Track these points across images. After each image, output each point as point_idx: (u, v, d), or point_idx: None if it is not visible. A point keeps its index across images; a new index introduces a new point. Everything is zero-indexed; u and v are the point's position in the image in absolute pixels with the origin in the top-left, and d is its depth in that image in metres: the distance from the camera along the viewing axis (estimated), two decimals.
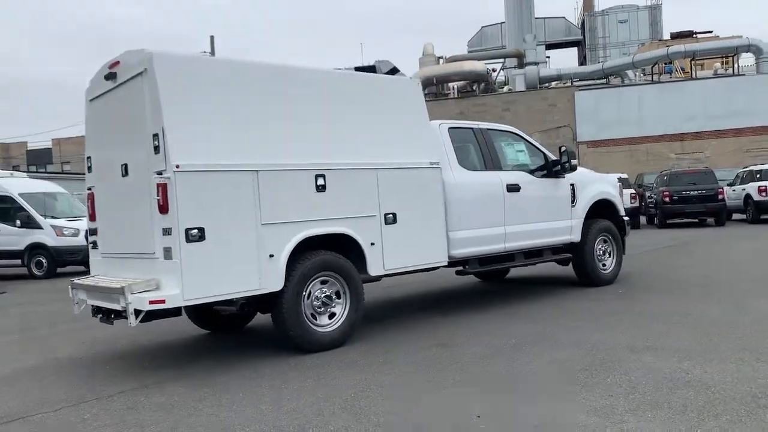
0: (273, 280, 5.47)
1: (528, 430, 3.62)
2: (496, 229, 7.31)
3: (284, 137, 5.65)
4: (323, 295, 5.85)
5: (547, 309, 7.18)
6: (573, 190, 8.26)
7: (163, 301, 4.98)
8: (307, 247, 5.77)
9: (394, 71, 54.46)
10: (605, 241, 8.77)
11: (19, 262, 15.81)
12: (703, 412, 3.72)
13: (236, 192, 5.29)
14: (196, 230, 5.05)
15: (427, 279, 8.96)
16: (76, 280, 6.01)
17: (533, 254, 8.04)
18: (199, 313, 6.62)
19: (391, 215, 6.31)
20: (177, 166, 5.00)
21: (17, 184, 16.45)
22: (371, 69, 55.18)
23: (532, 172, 7.91)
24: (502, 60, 48.33)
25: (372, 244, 6.16)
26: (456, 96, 42.50)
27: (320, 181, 5.80)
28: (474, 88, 45.84)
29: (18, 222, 15.40)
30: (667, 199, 19.90)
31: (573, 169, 7.97)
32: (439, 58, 47.70)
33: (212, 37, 39.89)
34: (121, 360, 5.97)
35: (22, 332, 7.78)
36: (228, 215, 5.23)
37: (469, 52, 54.20)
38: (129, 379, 5.21)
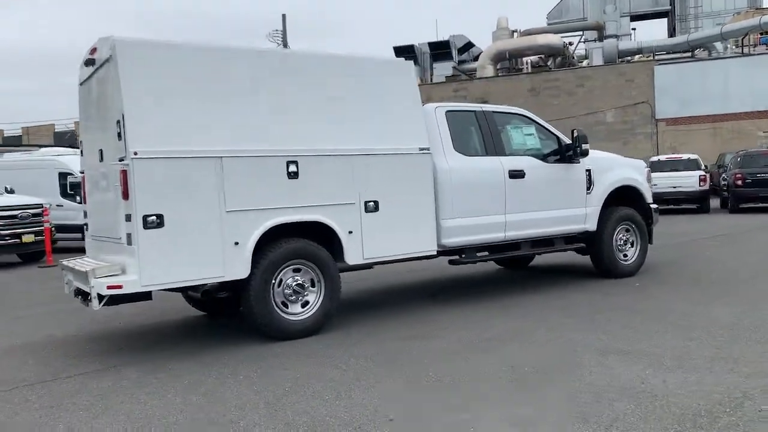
0: (238, 268, 5.44)
1: None
2: (494, 217, 6.99)
3: (253, 123, 5.57)
4: (295, 283, 5.77)
5: (545, 302, 6.84)
6: (589, 175, 7.78)
7: (120, 287, 5.06)
8: (279, 234, 5.70)
9: (468, 46, 53.58)
10: (627, 230, 8.24)
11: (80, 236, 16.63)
12: (629, 430, 3.40)
13: (199, 179, 5.27)
14: (154, 217, 5.07)
15: (430, 266, 8.70)
16: (64, 262, 6.20)
17: (543, 243, 7.67)
18: (188, 296, 6.71)
19: (372, 203, 6.14)
20: (135, 153, 5.02)
21: (76, 162, 17.23)
22: (445, 44, 54.48)
23: (542, 157, 7.49)
24: (580, 33, 46.39)
25: (350, 232, 6.02)
26: (528, 71, 41.22)
27: (292, 168, 5.69)
28: (549, 63, 44.37)
29: (77, 198, 16.17)
30: (739, 182, 18.55)
31: (584, 153, 7.50)
32: (514, 31, 46.35)
33: (284, 16, 40.40)
34: (104, 340, 6.14)
35: (48, 305, 8.11)
36: (190, 202, 5.22)
37: (548, 24, 52.37)
38: (95, 361, 5.34)
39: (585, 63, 44.03)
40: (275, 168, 5.62)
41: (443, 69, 50.10)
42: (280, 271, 5.71)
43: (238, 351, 5.41)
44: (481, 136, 7.12)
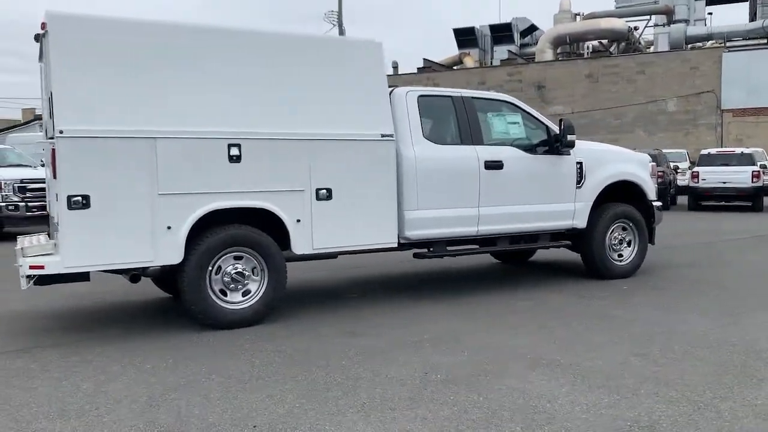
0: (170, 253, 5.28)
1: None
2: (466, 210, 6.60)
3: (193, 103, 5.36)
4: (234, 271, 5.57)
5: (509, 303, 6.40)
6: (580, 169, 7.25)
7: (42, 267, 4.98)
8: (221, 220, 5.51)
9: (531, 29, 52.16)
10: (624, 229, 7.68)
11: None
12: None
13: (129, 160, 5.11)
14: (79, 197, 4.95)
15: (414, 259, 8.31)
16: (20, 238, 6.20)
17: (526, 239, 7.22)
18: (156, 278, 6.59)
19: (324, 190, 5.86)
20: (60, 132, 4.90)
21: None
22: (507, 27, 53.19)
23: (526, 147, 7.02)
24: (647, 18, 44.27)
25: (298, 220, 5.76)
26: (586, 56, 39.74)
27: (234, 151, 5.47)
28: (612, 48, 42.60)
29: None
30: None
31: (569, 145, 6.98)
32: (576, 14, 44.69)
33: (340, 1, 40.21)
34: (56, 318, 6.11)
35: None
36: (119, 184, 5.08)
37: (617, 8, 50.22)
38: (28, 339, 5.30)
39: (652, 49, 42.06)
40: (215, 151, 5.41)
41: (504, 53, 48.92)
42: (219, 258, 5.52)
43: (169, 338, 5.27)
44: (456, 123, 6.71)
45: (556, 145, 7.05)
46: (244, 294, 5.65)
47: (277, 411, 3.67)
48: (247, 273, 5.64)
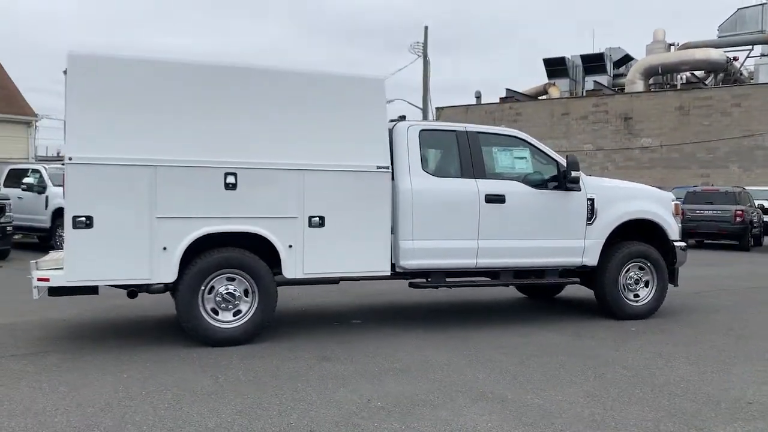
0: (165, 272, 5.70)
1: None
2: (464, 242, 6.67)
3: (193, 135, 5.80)
4: (225, 292, 5.92)
5: (499, 339, 6.35)
6: (592, 205, 7.15)
7: (47, 280, 5.52)
8: (216, 243, 5.90)
9: (626, 59, 50.86)
10: (641, 269, 7.46)
11: None
12: None
13: (130, 185, 5.59)
14: (83, 218, 5.47)
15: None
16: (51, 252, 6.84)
17: (531, 274, 7.19)
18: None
19: (317, 218, 6.13)
20: (69, 158, 5.46)
21: None
22: (599, 57, 52.18)
23: (534, 182, 7.01)
24: (748, 48, 42.18)
25: (290, 246, 6.06)
26: (678, 87, 38.27)
27: (230, 179, 5.85)
28: (709, 80, 40.83)
29: None
30: None
31: (573, 181, 6.91)
32: (671, 45, 43.17)
33: (426, 27, 40.92)
34: (65, 328, 6.66)
35: None
36: (120, 206, 5.56)
37: (719, 37, 48.10)
38: (35, 346, 5.84)
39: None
40: (211, 178, 5.81)
41: (597, 83, 47.93)
42: (212, 278, 5.89)
43: (160, 351, 5.66)
44: (458, 157, 6.82)
45: (563, 180, 7.01)
46: (235, 314, 5.98)
47: (206, 424, 3.92)
48: (238, 294, 5.98)
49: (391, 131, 6.69)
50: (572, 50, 59.58)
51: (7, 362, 5.28)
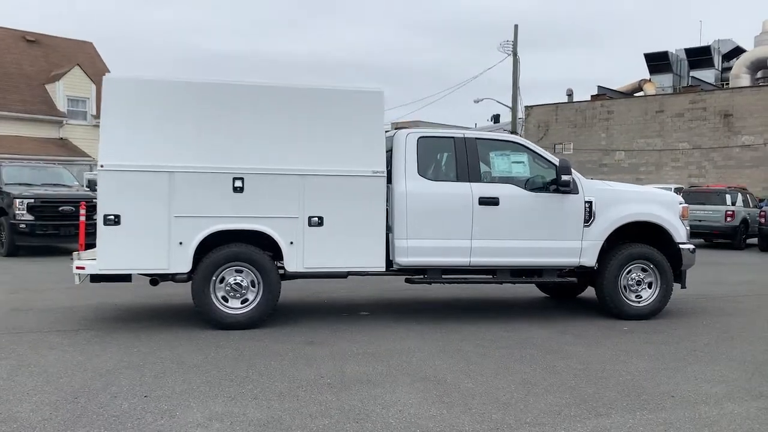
0: (181, 263, 6.59)
1: None
2: (458, 241, 7.14)
3: (206, 144, 6.65)
4: (234, 282, 6.74)
5: (483, 334, 6.76)
6: (590, 208, 7.40)
7: (83, 268, 6.55)
8: (227, 239, 6.73)
9: (736, 52, 48.15)
10: (644, 270, 7.60)
11: None
12: None
13: (152, 188, 6.52)
14: (112, 216, 6.45)
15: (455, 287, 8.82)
16: None
17: (529, 273, 7.54)
18: None
19: (316, 218, 6.82)
20: (101, 166, 6.46)
21: None
22: (705, 50, 49.80)
23: (531, 186, 7.35)
24: None
25: (291, 242, 6.79)
26: None
27: (238, 183, 6.66)
28: None
29: None
30: None
31: (564, 184, 7.18)
32: None
33: (516, 26, 40.75)
34: (97, 310, 7.70)
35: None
36: (143, 206, 6.50)
37: None
38: (70, 324, 6.90)
39: None
40: (222, 182, 6.64)
41: (703, 77, 45.83)
42: (223, 270, 6.72)
43: (178, 331, 6.55)
44: (455, 161, 7.29)
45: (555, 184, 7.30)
46: (243, 302, 6.79)
47: (174, 389, 4.71)
48: (245, 284, 6.78)
49: (392, 138, 7.28)
50: (676, 44, 56.99)
51: (50, 336, 6.34)
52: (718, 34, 60.34)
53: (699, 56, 48.73)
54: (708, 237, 19.32)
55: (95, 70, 29.39)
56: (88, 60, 29.92)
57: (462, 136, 7.41)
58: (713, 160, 34.74)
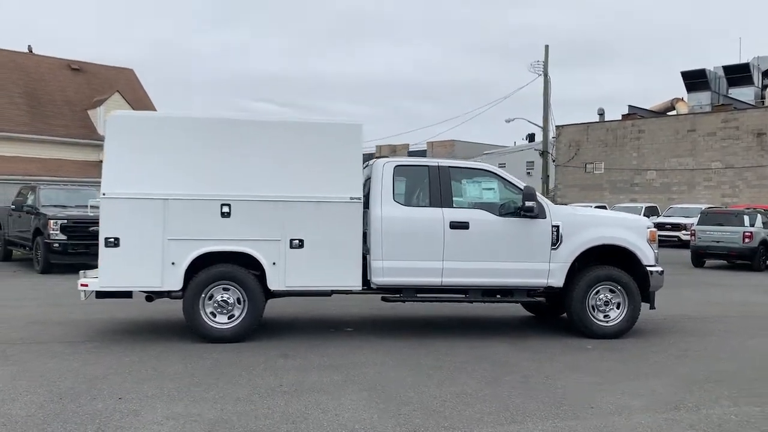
0: (173, 282, 7.29)
1: None
2: (431, 263, 7.66)
3: (196, 173, 7.35)
4: (221, 299, 7.39)
5: (447, 349, 7.24)
6: (557, 231, 7.84)
7: (86, 285, 7.30)
8: (215, 260, 7.40)
9: None
10: (612, 291, 7.98)
11: None
12: None
13: (147, 213, 7.24)
14: (113, 239, 7.20)
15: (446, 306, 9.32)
16: None
17: (500, 293, 8.00)
18: None
19: (297, 240, 7.44)
20: (104, 194, 7.23)
21: None
22: (744, 67, 49.15)
23: (502, 211, 7.83)
24: None
25: (274, 263, 7.42)
26: None
27: (225, 209, 7.33)
28: None
29: None
30: None
31: (528, 209, 7.63)
32: None
33: (547, 47, 41.08)
34: (102, 323, 8.44)
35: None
36: (140, 230, 7.23)
37: None
38: (76, 336, 7.64)
39: None
40: (210, 208, 7.32)
41: (742, 95, 45.30)
42: (211, 288, 7.38)
43: (169, 343, 7.22)
44: (428, 188, 7.83)
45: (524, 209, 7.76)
46: (229, 317, 7.43)
47: (146, 393, 5.35)
48: (231, 301, 7.42)
49: (370, 166, 7.88)
50: (714, 62, 56.34)
51: (56, 345, 7.09)
52: (758, 51, 59.30)
53: (737, 73, 48.03)
54: (726, 258, 19.28)
55: (135, 96, 30.93)
56: (128, 86, 31.49)
57: (436, 164, 7.97)
58: (747, 180, 34.29)
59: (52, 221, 15.08)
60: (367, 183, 7.95)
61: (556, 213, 7.94)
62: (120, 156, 7.31)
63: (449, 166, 8.00)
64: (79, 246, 15.22)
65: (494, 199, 7.99)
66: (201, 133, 7.48)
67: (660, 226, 28.10)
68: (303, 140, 7.61)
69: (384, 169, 7.81)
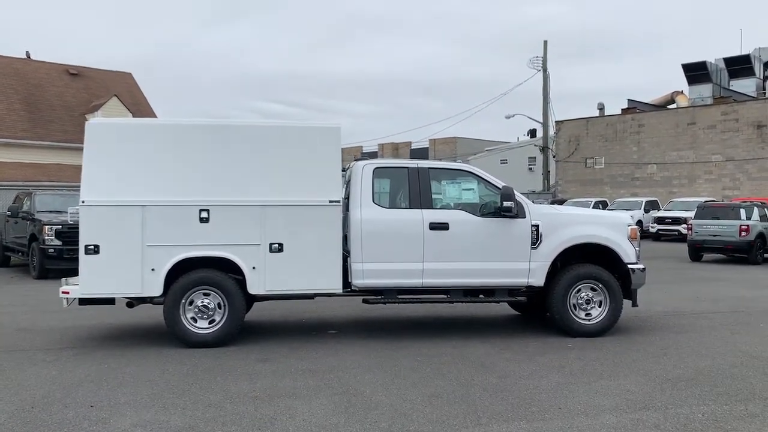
0: (153, 288, 7.33)
1: None
2: (411, 264, 7.67)
3: (174, 179, 7.38)
4: (202, 304, 7.43)
5: (426, 349, 7.28)
6: (536, 231, 7.84)
7: (68, 293, 7.35)
8: (194, 265, 7.43)
9: None
10: (593, 289, 7.98)
11: None
12: None
13: (126, 220, 7.28)
14: (92, 246, 7.24)
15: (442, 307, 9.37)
16: None
17: (482, 292, 8.01)
18: None
19: (276, 245, 7.46)
20: (83, 201, 7.27)
21: None
22: (745, 59, 48.89)
23: (482, 211, 7.84)
24: None
25: (254, 268, 7.45)
26: None
27: (203, 214, 7.36)
28: None
29: None
30: None
31: (506, 209, 7.63)
32: None
33: (545, 42, 40.96)
34: (87, 330, 8.49)
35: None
36: (119, 237, 7.27)
37: None
38: (58, 342, 7.69)
39: None
40: (188, 214, 7.35)
41: (744, 86, 45.10)
42: (191, 293, 7.41)
43: (149, 349, 7.27)
44: (408, 190, 7.84)
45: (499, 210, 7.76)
46: (210, 322, 7.47)
47: (119, 400, 5.39)
48: (212, 306, 7.45)
49: (350, 168, 7.90)
50: (715, 54, 56.01)
51: (38, 353, 7.14)
52: (759, 42, 58.93)
53: (739, 65, 47.79)
54: (723, 252, 19.22)
55: (133, 99, 31.03)
56: (126, 90, 31.59)
57: (415, 166, 7.97)
58: (747, 172, 34.12)
59: (47, 227, 15.15)
60: (346, 186, 7.97)
61: (535, 212, 7.94)
62: (98, 163, 7.34)
63: (428, 168, 8.00)
64: (75, 251, 15.23)
65: (474, 200, 8.00)
66: (178, 139, 7.51)
67: (660, 220, 28.19)
68: (281, 144, 7.62)
69: (363, 171, 7.82)
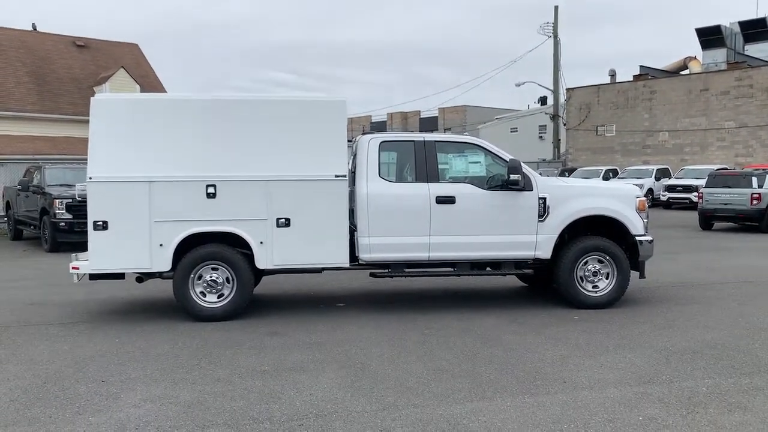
0: (162, 263, 7.39)
1: None
2: (417, 238, 7.68)
3: (181, 155, 7.39)
4: (210, 278, 7.49)
5: (435, 323, 7.34)
6: (543, 203, 7.81)
7: (77, 268, 7.43)
8: (202, 240, 7.48)
9: None
10: (600, 261, 7.97)
11: None
12: None
13: (134, 196, 7.31)
14: (101, 222, 7.30)
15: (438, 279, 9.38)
16: None
17: (488, 265, 8.02)
18: None
19: (284, 219, 7.49)
20: (90, 178, 7.30)
21: None
22: (761, 22, 47.98)
23: (488, 185, 7.82)
24: None
25: (261, 242, 7.48)
26: None
27: (210, 190, 7.38)
28: None
29: None
30: None
31: (513, 182, 7.60)
32: None
33: (556, 8, 40.31)
34: (99, 304, 8.61)
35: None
36: (127, 213, 7.31)
37: None
38: (73, 316, 7.81)
39: None
40: (196, 190, 7.37)
41: (759, 51, 44.29)
42: (200, 268, 7.47)
43: (160, 322, 7.36)
44: (414, 164, 7.82)
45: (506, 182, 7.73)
46: (219, 296, 7.54)
47: (129, 374, 5.48)
48: (220, 281, 7.52)
49: (356, 142, 7.87)
50: (731, 17, 54.90)
51: (50, 328, 7.26)
52: None
53: (754, 29, 46.87)
54: (734, 220, 19.09)
55: (140, 71, 30.93)
56: (133, 62, 31.47)
57: (422, 139, 7.93)
58: (761, 139, 33.70)
59: (57, 200, 15.26)
60: (352, 160, 7.95)
61: (543, 185, 7.90)
62: (105, 139, 7.36)
63: (435, 141, 7.95)
64: (85, 225, 15.32)
65: (480, 173, 7.96)
66: (184, 114, 7.50)
67: (671, 189, 27.98)
68: (288, 118, 7.60)
69: (369, 145, 7.79)
